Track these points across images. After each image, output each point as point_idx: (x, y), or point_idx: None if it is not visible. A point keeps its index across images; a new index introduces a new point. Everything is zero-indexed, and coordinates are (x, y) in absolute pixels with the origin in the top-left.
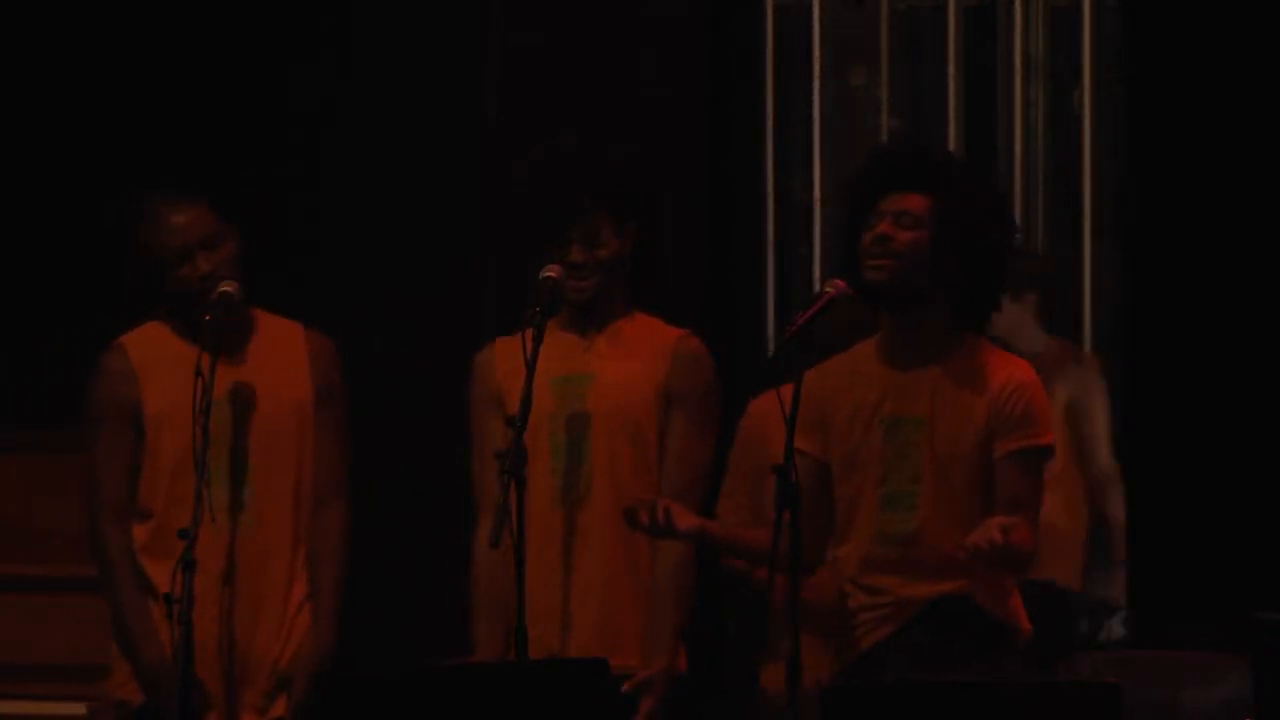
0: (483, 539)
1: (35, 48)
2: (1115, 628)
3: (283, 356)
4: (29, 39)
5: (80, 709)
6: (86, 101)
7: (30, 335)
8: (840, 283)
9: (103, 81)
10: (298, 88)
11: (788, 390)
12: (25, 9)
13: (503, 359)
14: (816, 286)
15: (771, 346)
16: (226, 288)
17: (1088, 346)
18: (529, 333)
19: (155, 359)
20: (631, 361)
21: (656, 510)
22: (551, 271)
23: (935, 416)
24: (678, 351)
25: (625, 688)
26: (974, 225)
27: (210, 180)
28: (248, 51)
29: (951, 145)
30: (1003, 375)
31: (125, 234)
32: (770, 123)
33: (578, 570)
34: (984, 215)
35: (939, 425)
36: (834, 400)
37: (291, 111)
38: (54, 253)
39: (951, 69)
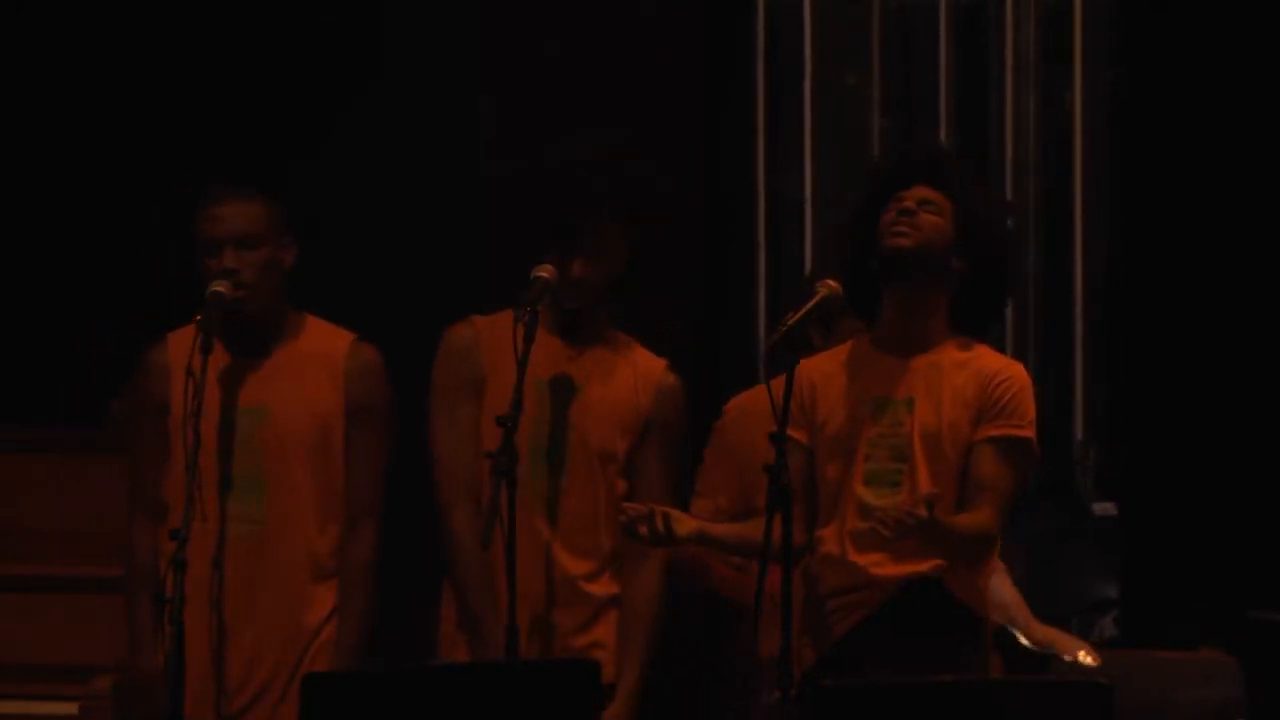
0: (459, 524)
1: (47, 57)
2: (1106, 627)
3: (315, 367)
4: (38, 47)
5: (72, 709)
6: (93, 108)
7: (20, 333)
8: (832, 282)
9: (112, 89)
10: (297, 89)
11: (777, 384)
12: (25, 13)
13: (487, 343)
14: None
15: (762, 345)
16: (218, 288)
17: (1079, 343)
18: (519, 331)
19: (187, 357)
20: (620, 382)
21: (655, 520)
22: (544, 271)
23: (925, 398)
24: (662, 386)
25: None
26: (990, 230)
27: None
28: (248, 53)
29: (955, 154)
30: (997, 364)
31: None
32: (762, 121)
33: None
34: (1000, 225)
35: (928, 407)
36: (824, 385)
37: (290, 112)
38: (44, 252)
39: (943, 67)
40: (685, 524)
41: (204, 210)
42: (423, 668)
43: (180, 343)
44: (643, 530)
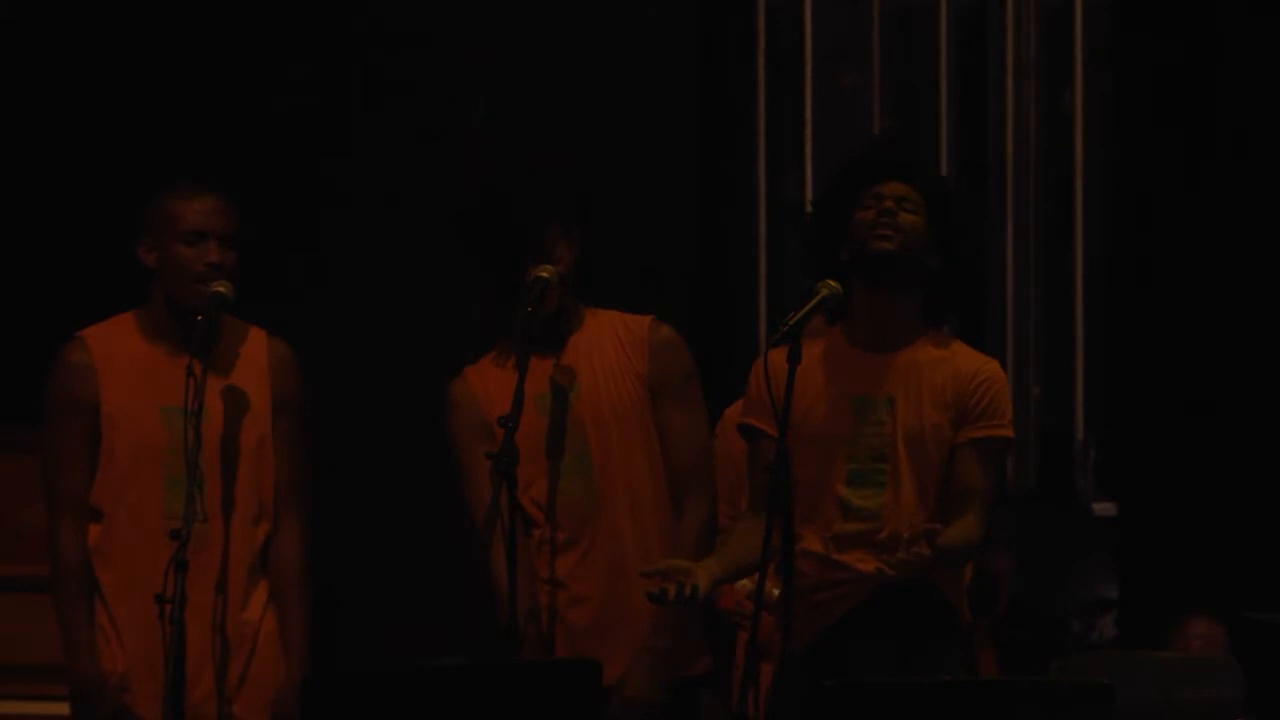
0: (497, 569)
1: (32, 53)
2: (1107, 626)
3: (245, 364)
4: (29, 43)
5: None
6: (92, 110)
7: (19, 332)
8: (833, 282)
9: (111, 93)
10: (293, 92)
11: (764, 372)
12: (30, 13)
13: (479, 388)
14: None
15: (762, 346)
16: (220, 289)
17: (1080, 341)
18: (517, 333)
19: (116, 355)
20: (607, 363)
21: (684, 587)
22: (544, 271)
23: (904, 397)
24: (653, 342)
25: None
26: (965, 226)
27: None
28: (240, 55)
29: (943, 145)
30: (973, 364)
31: (144, 208)
32: (762, 123)
33: (591, 585)
34: (973, 221)
35: (908, 405)
36: (799, 381)
37: (285, 116)
38: (45, 253)
39: (943, 69)
40: (702, 577)
41: (185, 199)
42: (423, 668)
43: (100, 339)
44: (670, 594)
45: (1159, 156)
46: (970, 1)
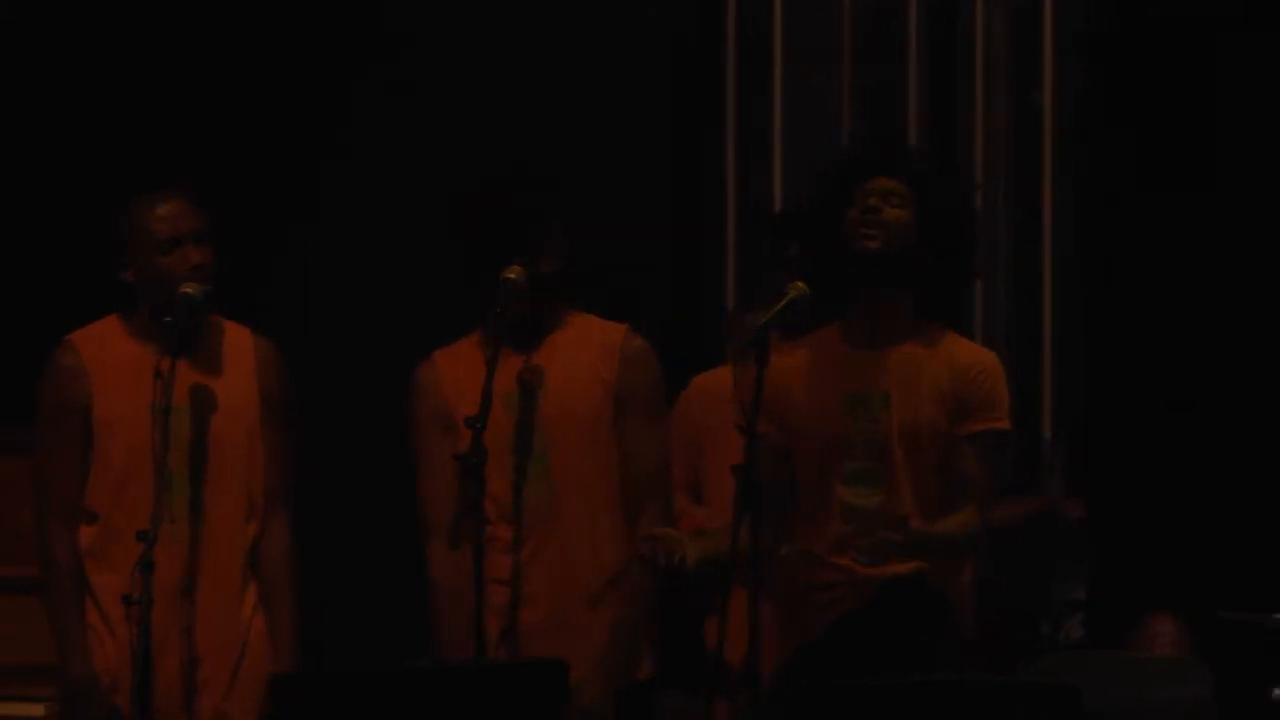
0: (437, 555)
1: (29, 55)
2: (1074, 628)
3: (232, 363)
4: (27, 45)
5: None
6: (88, 112)
7: (20, 334)
8: (800, 283)
9: (87, 90)
10: (291, 92)
11: (743, 373)
12: (27, 15)
13: (447, 374)
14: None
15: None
16: (189, 290)
17: (1049, 339)
18: (488, 332)
19: (106, 358)
20: (578, 366)
21: (674, 556)
22: (513, 273)
23: (900, 392)
24: (625, 351)
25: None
26: (952, 214)
27: (194, 184)
28: (238, 55)
29: (913, 143)
30: (969, 356)
31: (113, 221)
32: (731, 123)
33: (543, 585)
34: (960, 207)
35: (904, 400)
36: (795, 380)
37: (284, 117)
38: (45, 253)
39: (912, 68)
40: (691, 551)
41: (149, 211)
42: (391, 669)
43: (89, 343)
44: (661, 560)
45: (1128, 154)
46: None
